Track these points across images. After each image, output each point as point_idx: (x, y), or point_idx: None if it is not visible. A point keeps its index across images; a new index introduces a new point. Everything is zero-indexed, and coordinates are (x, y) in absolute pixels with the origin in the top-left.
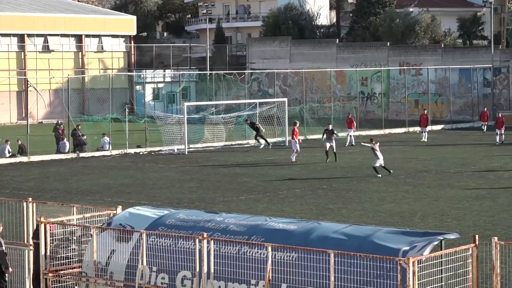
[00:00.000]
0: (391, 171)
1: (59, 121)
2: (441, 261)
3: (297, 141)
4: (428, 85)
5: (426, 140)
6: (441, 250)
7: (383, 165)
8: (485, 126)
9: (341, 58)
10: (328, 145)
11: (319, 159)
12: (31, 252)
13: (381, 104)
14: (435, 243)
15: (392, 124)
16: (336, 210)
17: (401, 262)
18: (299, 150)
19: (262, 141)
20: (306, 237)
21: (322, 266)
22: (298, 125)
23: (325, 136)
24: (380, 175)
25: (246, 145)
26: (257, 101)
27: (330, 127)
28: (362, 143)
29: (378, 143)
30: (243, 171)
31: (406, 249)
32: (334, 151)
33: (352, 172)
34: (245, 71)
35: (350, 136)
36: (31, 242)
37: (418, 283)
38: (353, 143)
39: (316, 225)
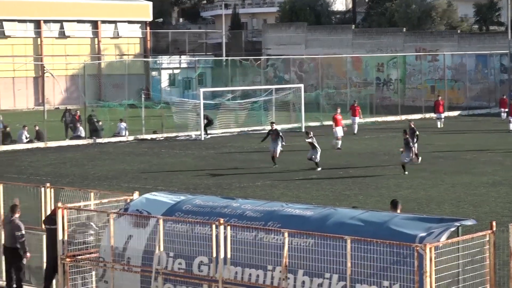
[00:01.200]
0: (320, 168)
1: (67, 108)
2: (458, 247)
3: (343, 127)
4: (445, 71)
5: (442, 126)
6: (458, 236)
7: (316, 159)
8: (505, 113)
9: (357, 44)
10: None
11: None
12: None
13: (397, 90)
14: (452, 229)
15: (409, 110)
16: (353, 196)
17: (418, 248)
18: (339, 137)
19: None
20: (323, 223)
21: (338, 252)
22: (339, 111)
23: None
24: (320, 168)
25: (262, 131)
26: (273, 87)
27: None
28: (306, 139)
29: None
30: (259, 157)
31: (423, 235)
32: (317, 161)
33: (368, 158)
34: (261, 57)
35: (356, 124)
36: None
37: (435, 270)
38: (355, 131)
39: (333, 211)
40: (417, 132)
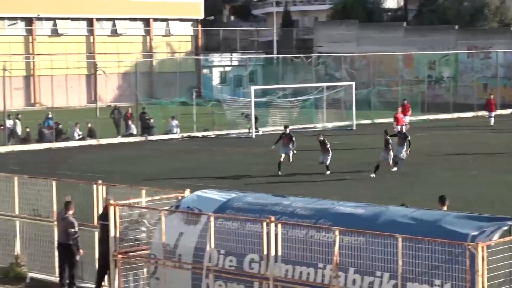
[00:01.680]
0: (329, 172)
1: (116, 105)
2: (510, 246)
3: (405, 124)
4: (497, 69)
5: (493, 124)
6: (510, 235)
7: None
8: None
9: (408, 42)
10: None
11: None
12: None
13: (449, 88)
14: (505, 228)
15: (460, 108)
16: (403, 194)
17: (470, 247)
18: None
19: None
20: (374, 221)
21: (389, 250)
22: (401, 109)
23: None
24: (329, 172)
25: (313, 129)
26: (324, 84)
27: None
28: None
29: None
30: (309, 155)
31: (475, 234)
32: (327, 164)
33: (419, 156)
34: (312, 55)
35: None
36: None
37: (487, 269)
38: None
39: (384, 209)
40: (409, 138)
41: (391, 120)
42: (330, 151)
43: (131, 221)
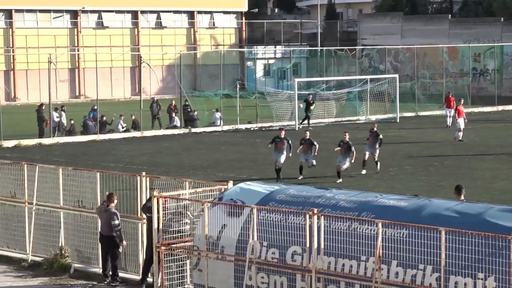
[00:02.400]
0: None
1: (155, 98)
2: None
3: (464, 119)
4: None
5: None
6: None
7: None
8: None
9: (453, 34)
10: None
11: (430, 136)
12: (144, 225)
13: (494, 80)
14: None
15: (506, 101)
16: (448, 187)
17: None
18: (461, 128)
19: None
20: (417, 214)
21: (433, 243)
22: (462, 102)
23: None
24: (340, 180)
25: (357, 121)
26: (368, 77)
27: (375, 128)
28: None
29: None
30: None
31: None
32: (345, 167)
33: (464, 149)
34: (356, 47)
35: (451, 117)
36: (144, 215)
37: None
38: (449, 124)
39: (427, 202)
40: (381, 136)
41: (435, 112)
42: (353, 152)
43: (174, 213)
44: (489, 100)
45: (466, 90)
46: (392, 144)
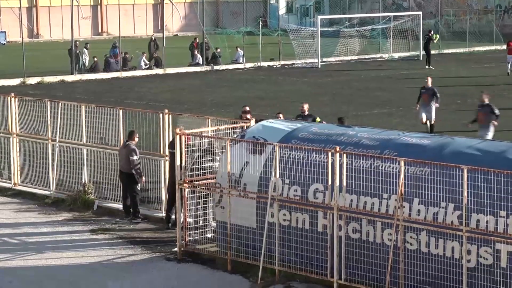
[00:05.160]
0: None
1: (153, 37)
2: None
3: None
4: None
5: None
6: None
7: None
8: None
9: None
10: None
11: (454, 73)
12: (167, 163)
13: None
14: None
15: None
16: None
17: None
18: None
19: None
20: (439, 152)
21: (455, 181)
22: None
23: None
24: None
25: (380, 59)
26: (391, 14)
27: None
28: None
29: None
30: (376, 85)
31: None
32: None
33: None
34: None
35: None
36: (167, 152)
37: None
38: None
39: (450, 140)
40: (497, 112)
41: (459, 50)
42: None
43: (197, 150)
44: None
45: (490, 28)
46: (415, 80)
